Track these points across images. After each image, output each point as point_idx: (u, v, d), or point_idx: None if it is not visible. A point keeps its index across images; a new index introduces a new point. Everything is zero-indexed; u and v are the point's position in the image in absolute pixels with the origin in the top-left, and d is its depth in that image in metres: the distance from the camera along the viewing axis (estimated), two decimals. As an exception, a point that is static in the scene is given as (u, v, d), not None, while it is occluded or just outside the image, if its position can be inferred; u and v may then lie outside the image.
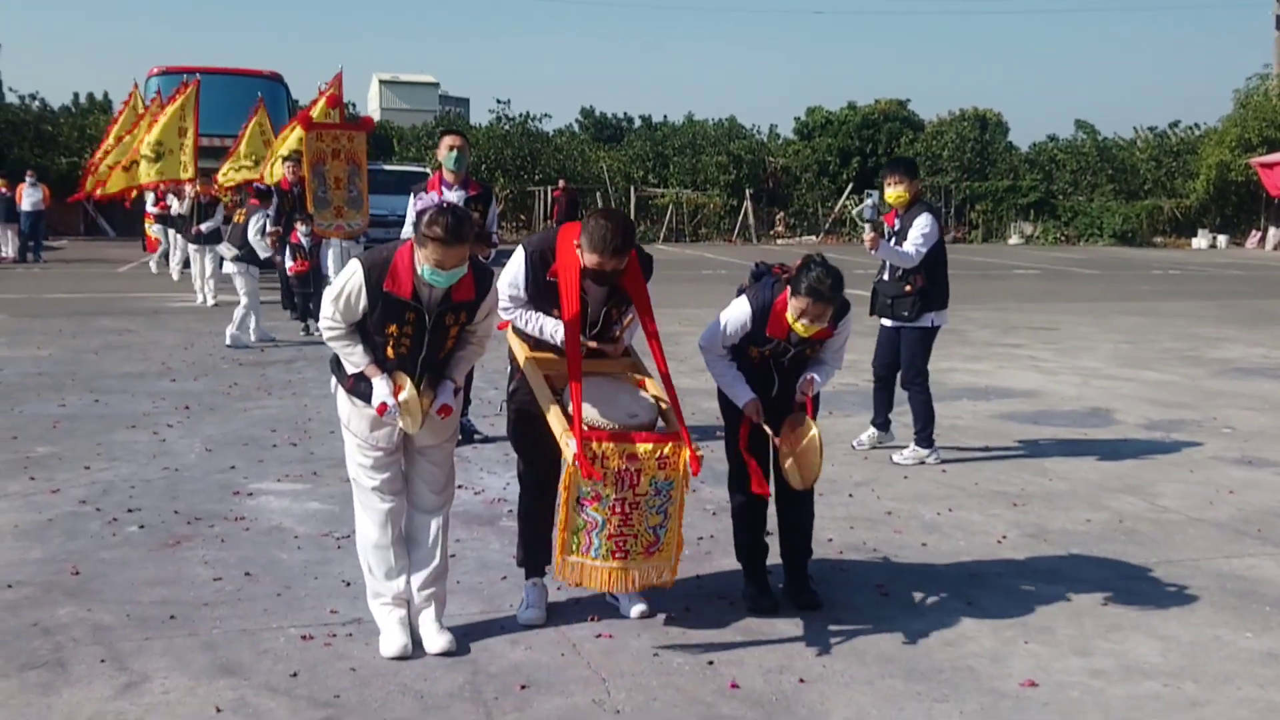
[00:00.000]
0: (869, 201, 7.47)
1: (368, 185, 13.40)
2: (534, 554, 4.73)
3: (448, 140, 7.50)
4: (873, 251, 7.24)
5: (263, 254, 12.87)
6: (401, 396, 4.16)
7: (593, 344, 4.55)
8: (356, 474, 4.41)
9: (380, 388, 4.17)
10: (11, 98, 38.15)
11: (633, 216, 34.49)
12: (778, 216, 39.07)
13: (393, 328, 4.17)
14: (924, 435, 7.42)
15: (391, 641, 4.27)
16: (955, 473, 7.17)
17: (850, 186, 38.70)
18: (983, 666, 4.26)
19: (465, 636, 4.40)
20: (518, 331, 4.65)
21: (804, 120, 43.75)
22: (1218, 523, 6.17)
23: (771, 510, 4.98)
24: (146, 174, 16.80)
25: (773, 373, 4.86)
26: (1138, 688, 4.10)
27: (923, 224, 7.23)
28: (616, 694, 3.97)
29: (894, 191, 7.37)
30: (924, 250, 7.21)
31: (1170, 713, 3.91)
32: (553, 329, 4.50)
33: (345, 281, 4.18)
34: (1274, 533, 5.98)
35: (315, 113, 15.48)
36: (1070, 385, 10.55)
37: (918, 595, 4.99)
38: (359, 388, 4.27)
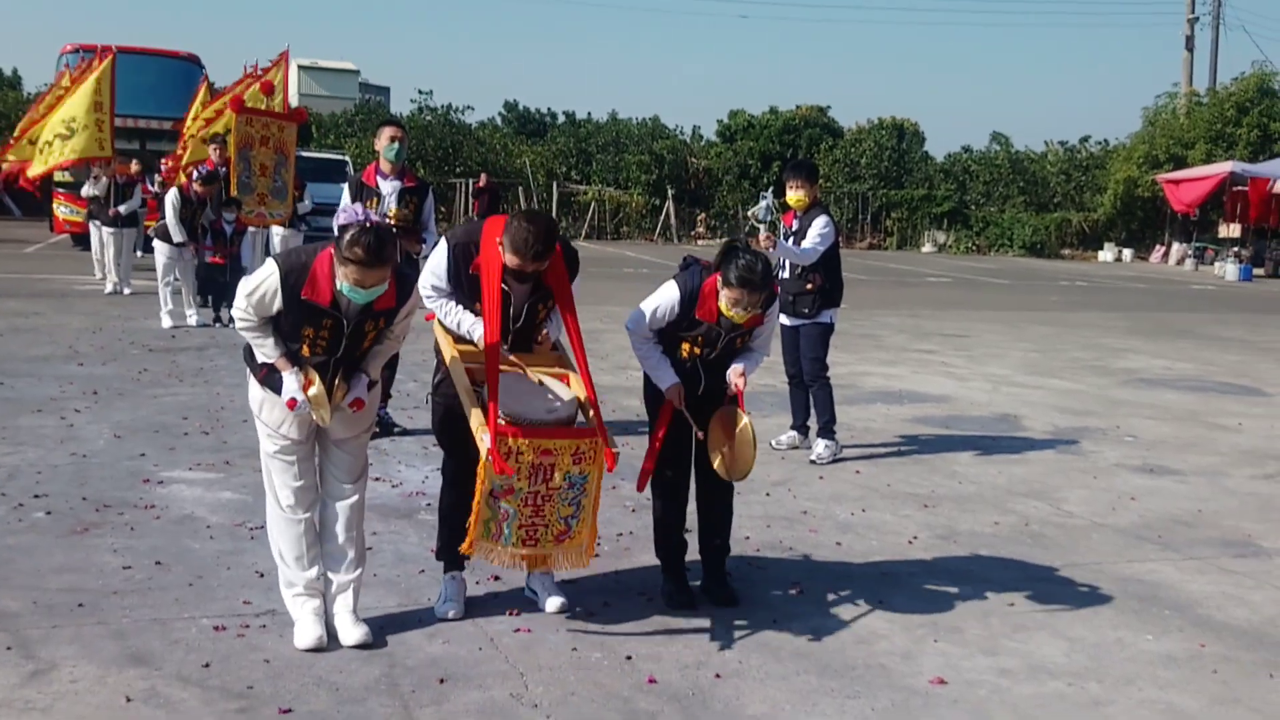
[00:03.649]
0: (764, 203, 7.65)
1: (294, 176, 13.28)
2: (453, 547, 4.71)
3: (388, 131, 7.48)
4: (769, 250, 7.37)
5: (176, 238, 12.67)
6: (311, 392, 4.12)
7: (512, 359, 4.52)
8: (268, 462, 4.37)
9: (290, 382, 4.13)
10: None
11: (555, 213, 34.45)
12: (699, 217, 39.21)
13: (309, 330, 4.13)
14: (829, 427, 7.61)
15: (306, 633, 4.22)
16: (869, 474, 7.29)
17: (770, 190, 38.99)
18: (894, 664, 4.34)
19: (382, 629, 4.37)
20: (442, 324, 4.63)
21: (726, 123, 44.03)
22: (1120, 528, 6.35)
23: (691, 508, 5.02)
24: (61, 152, 16.18)
25: (700, 371, 4.89)
26: (1043, 687, 4.21)
27: (821, 224, 7.48)
28: (534, 688, 3.98)
29: (795, 195, 7.62)
30: (821, 249, 7.45)
31: (1074, 712, 4.02)
32: (470, 324, 4.49)
33: (261, 281, 4.11)
34: (1174, 539, 6.17)
35: (247, 96, 15.24)
36: (981, 391, 10.76)
37: (831, 593, 5.07)
38: (271, 379, 4.23)
